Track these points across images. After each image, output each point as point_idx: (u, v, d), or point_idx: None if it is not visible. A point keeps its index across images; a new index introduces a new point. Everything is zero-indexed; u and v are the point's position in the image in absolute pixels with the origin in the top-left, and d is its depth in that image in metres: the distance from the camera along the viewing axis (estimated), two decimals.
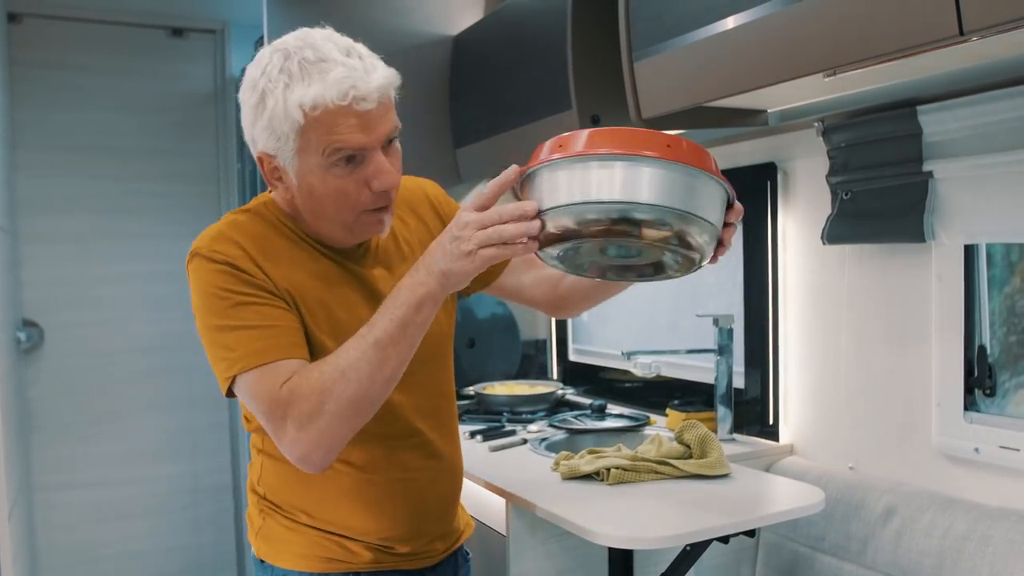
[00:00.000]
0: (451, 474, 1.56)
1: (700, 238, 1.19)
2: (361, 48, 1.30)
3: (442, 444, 1.52)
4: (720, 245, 1.24)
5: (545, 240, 1.20)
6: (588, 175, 1.15)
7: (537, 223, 1.17)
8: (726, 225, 1.24)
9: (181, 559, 3.78)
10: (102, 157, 3.63)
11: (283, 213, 1.40)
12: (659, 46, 1.86)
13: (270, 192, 1.43)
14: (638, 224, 1.14)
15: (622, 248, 1.26)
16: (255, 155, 1.33)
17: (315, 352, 1.33)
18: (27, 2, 3.45)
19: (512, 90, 2.65)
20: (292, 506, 1.45)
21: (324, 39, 1.27)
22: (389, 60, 1.31)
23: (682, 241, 1.18)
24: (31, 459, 3.50)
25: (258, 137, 1.30)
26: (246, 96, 1.30)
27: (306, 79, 1.23)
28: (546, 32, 2.42)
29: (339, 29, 1.32)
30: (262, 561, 1.50)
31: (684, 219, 1.15)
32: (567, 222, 1.17)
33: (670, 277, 1.32)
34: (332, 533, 1.44)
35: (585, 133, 1.18)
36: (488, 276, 1.61)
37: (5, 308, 3.03)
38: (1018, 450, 1.74)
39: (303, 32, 1.30)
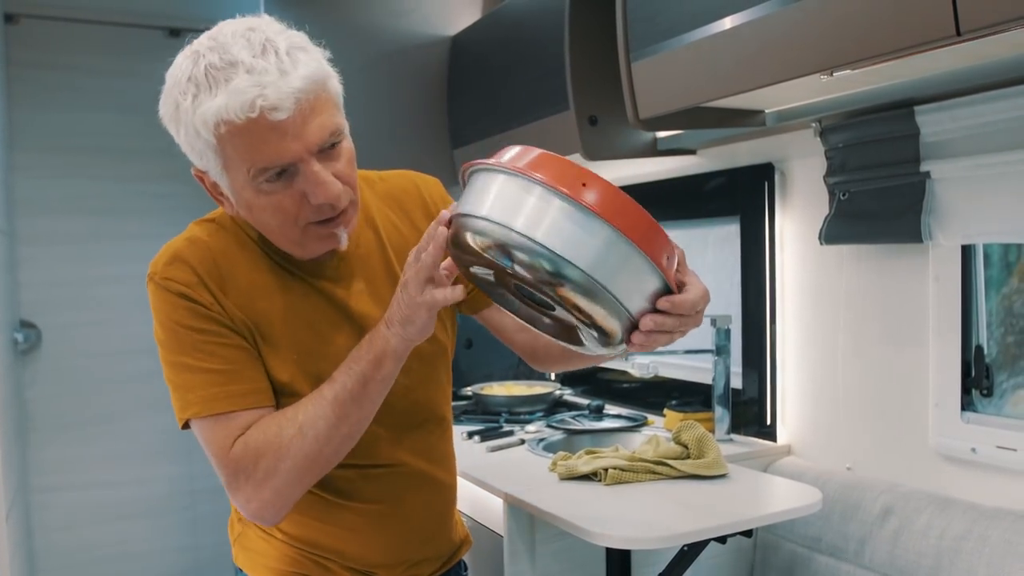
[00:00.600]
0: (440, 496, 1.46)
1: (603, 317, 1.04)
2: (285, 42, 1.12)
3: (430, 469, 1.42)
4: (636, 333, 1.07)
5: (455, 257, 1.10)
6: (511, 193, 1.02)
7: (443, 232, 1.08)
8: (658, 311, 1.07)
9: (179, 560, 3.78)
10: (99, 158, 3.62)
11: (246, 222, 1.28)
12: (657, 47, 1.86)
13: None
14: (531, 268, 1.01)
15: (534, 293, 1.10)
16: (193, 172, 1.23)
17: (276, 387, 1.26)
18: (24, 3, 3.44)
19: (510, 90, 2.65)
20: None
21: (237, 36, 1.11)
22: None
23: (580, 311, 1.03)
24: (28, 460, 3.50)
25: (185, 148, 1.18)
26: (163, 109, 1.16)
27: (212, 89, 1.09)
28: (544, 33, 2.42)
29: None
30: (240, 569, 1.45)
31: (592, 287, 1.00)
32: (466, 236, 1.05)
33: (587, 352, 1.15)
34: (309, 551, 1.37)
35: (528, 153, 1.05)
36: (477, 304, 1.49)
37: (3, 309, 3.03)
38: (1015, 450, 1.75)
39: (218, 28, 1.15)
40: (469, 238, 1.04)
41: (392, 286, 1.33)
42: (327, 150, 1.16)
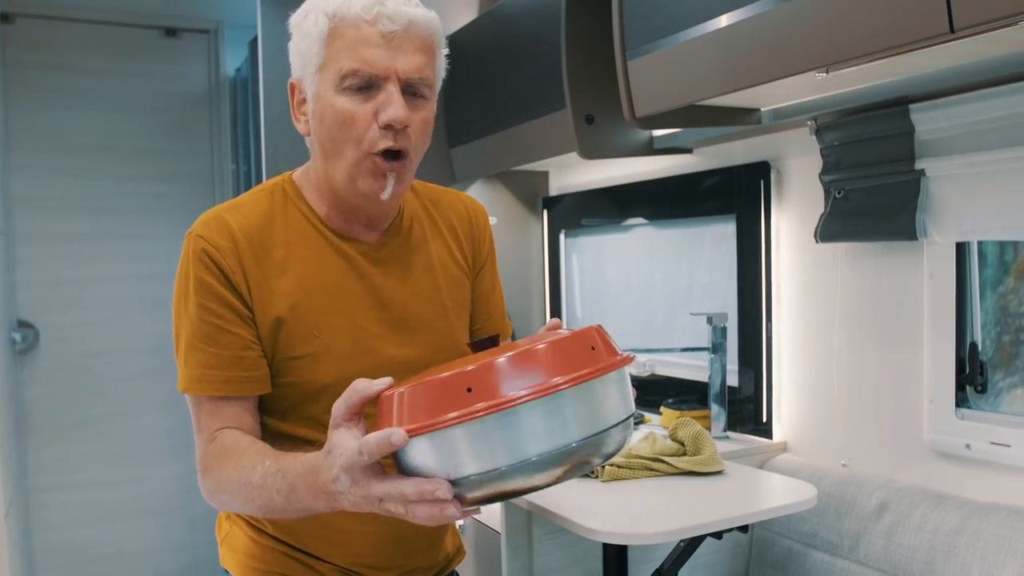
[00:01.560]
0: None
1: (617, 443, 1.03)
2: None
3: None
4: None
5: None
6: (532, 421, 0.92)
7: (454, 506, 0.95)
8: None
9: (176, 559, 3.78)
10: (96, 157, 3.63)
11: (299, 193, 1.33)
12: (652, 45, 1.87)
13: (289, 174, 1.36)
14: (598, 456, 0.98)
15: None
16: (289, 83, 1.30)
17: (300, 356, 1.27)
18: (20, 2, 3.45)
19: (506, 89, 2.66)
20: (259, 517, 1.36)
21: None
22: None
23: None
24: (27, 460, 3.50)
25: (293, 59, 1.27)
26: (294, 18, 1.27)
27: None
28: (540, 31, 2.43)
29: None
30: (227, 571, 1.43)
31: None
32: (501, 486, 0.95)
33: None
34: (298, 550, 1.35)
35: (493, 368, 0.92)
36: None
37: (0, 309, 3.04)
38: (1009, 446, 1.76)
39: None
40: (478, 497, 0.96)
41: (427, 283, 1.38)
42: (411, 95, 1.24)
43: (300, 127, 1.31)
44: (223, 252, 1.25)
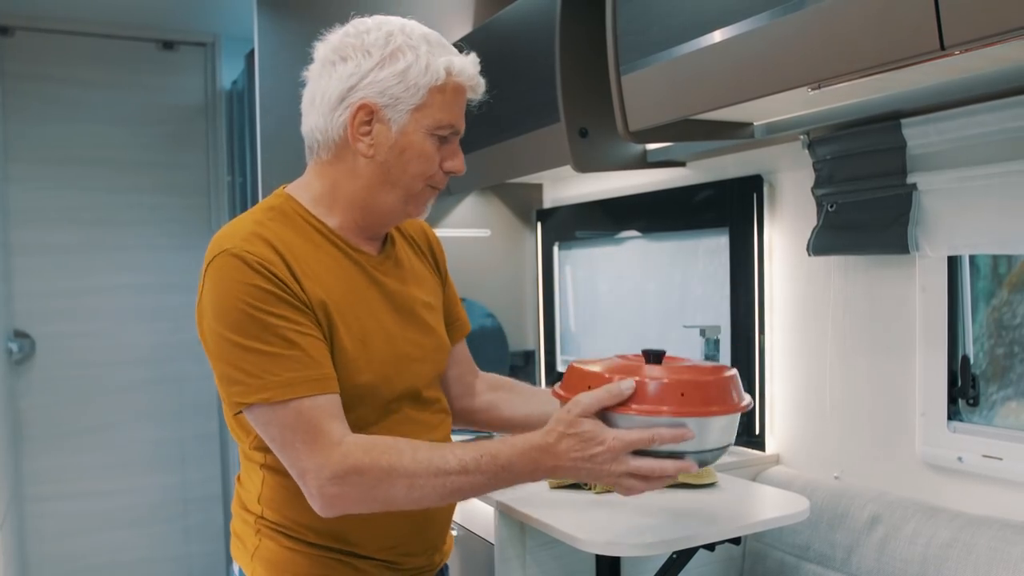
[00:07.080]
0: None
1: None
2: None
3: None
4: None
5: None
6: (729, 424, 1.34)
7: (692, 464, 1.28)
8: None
9: (171, 569, 3.78)
10: (93, 169, 3.65)
11: (303, 208, 1.40)
12: (646, 60, 1.87)
13: (282, 190, 1.43)
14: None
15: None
16: (352, 104, 1.34)
17: (345, 360, 1.33)
18: (18, 15, 3.46)
19: (501, 102, 2.64)
20: (298, 523, 1.37)
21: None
22: None
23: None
24: (22, 469, 3.50)
25: (372, 85, 1.33)
26: (375, 43, 1.34)
27: (447, 52, 1.37)
28: (534, 45, 2.44)
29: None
30: None
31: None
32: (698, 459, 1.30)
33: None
34: (339, 551, 1.38)
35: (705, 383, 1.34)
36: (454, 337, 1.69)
37: None
38: (1001, 459, 1.76)
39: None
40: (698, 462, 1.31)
41: (419, 289, 1.52)
42: None
43: (361, 147, 1.37)
44: (275, 265, 1.28)
